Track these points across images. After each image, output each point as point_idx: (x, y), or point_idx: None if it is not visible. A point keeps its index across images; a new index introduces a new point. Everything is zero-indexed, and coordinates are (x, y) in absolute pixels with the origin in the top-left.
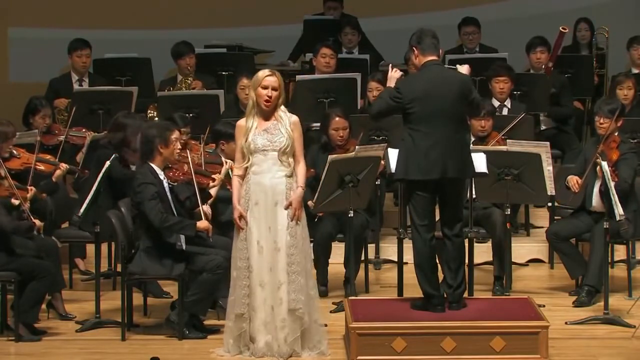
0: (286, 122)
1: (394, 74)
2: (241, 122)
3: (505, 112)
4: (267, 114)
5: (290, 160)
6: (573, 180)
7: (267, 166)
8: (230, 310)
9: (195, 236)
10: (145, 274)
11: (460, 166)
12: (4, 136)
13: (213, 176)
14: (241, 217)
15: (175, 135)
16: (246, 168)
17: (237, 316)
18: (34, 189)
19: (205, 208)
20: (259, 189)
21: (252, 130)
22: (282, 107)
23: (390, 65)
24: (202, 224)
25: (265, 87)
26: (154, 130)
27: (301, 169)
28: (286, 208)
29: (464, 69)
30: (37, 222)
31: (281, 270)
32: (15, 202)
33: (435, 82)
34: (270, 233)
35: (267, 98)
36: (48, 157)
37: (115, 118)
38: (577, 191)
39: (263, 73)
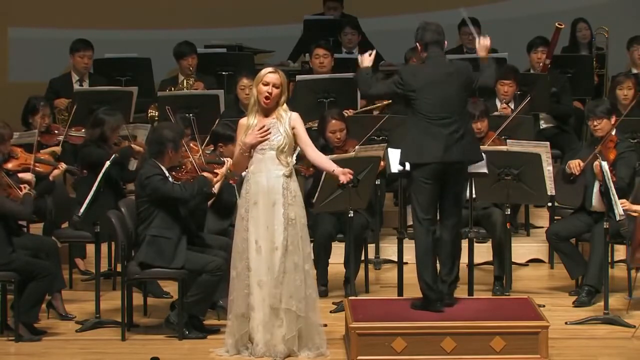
0: (286, 121)
1: (366, 57)
2: (242, 120)
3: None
4: (266, 112)
5: (289, 159)
6: (575, 162)
7: (264, 165)
8: (230, 310)
9: (195, 236)
10: (145, 264)
11: (463, 151)
12: (1, 138)
13: (215, 171)
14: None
15: (185, 140)
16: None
17: (239, 316)
18: (27, 186)
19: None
20: (257, 189)
21: (252, 128)
22: (285, 107)
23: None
24: (208, 175)
25: (266, 84)
26: (169, 133)
27: (320, 154)
28: (342, 176)
29: (483, 46)
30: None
31: (278, 270)
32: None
33: (438, 72)
34: (268, 232)
35: (267, 94)
36: (46, 157)
37: (95, 114)
38: (578, 173)
39: (265, 70)
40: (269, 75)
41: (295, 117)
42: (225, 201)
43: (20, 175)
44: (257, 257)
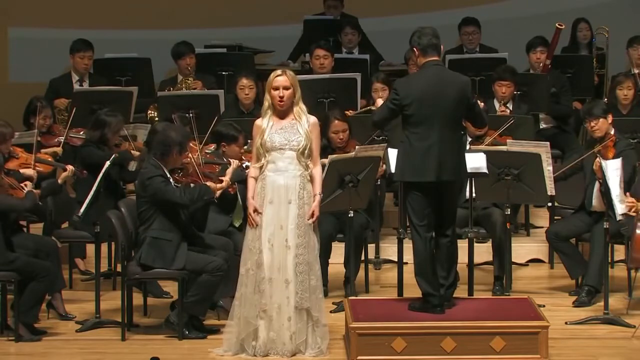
0: (305, 122)
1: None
2: (258, 121)
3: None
4: (283, 113)
5: (308, 162)
6: None
7: (283, 165)
8: (235, 308)
9: (195, 237)
10: (145, 264)
11: (456, 169)
12: (2, 137)
13: (220, 177)
14: (255, 211)
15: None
16: (261, 168)
17: (247, 315)
18: (29, 183)
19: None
20: (274, 188)
21: (268, 129)
22: (302, 106)
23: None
24: (212, 184)
25: (276, 88)
26: (177, 136)
27: (318, 173)
28: (309, 218)
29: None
30: (35, 190)
31: (290, 268)
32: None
33: (434, 84)
34: (282, 231)
35: (279, 98)
36: (46, 157)
37: (96, 115)
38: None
39: (273, 74)
40: (277, 79)
41: (314, 122)
42: (228, 196)
43: (22, 171)
44: (269, 255)
